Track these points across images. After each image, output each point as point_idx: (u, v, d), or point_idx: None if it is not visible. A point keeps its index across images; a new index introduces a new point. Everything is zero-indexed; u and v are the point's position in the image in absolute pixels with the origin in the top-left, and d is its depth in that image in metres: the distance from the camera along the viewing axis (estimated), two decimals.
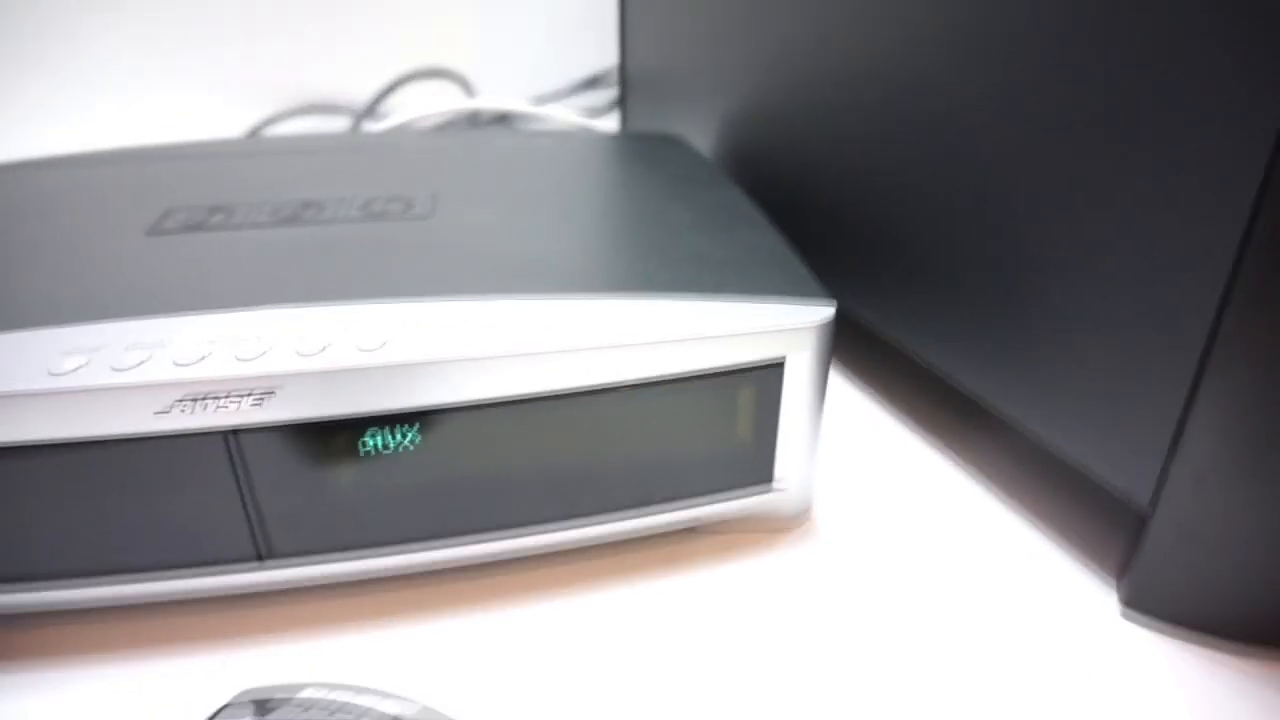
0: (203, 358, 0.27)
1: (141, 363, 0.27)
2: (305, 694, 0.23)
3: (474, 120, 0.81)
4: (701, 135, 0.58)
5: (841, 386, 0.47)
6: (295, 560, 0.30)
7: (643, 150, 0.52)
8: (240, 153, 0.52)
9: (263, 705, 0.23)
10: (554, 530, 0.32)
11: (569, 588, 0.33)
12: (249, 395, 0.27)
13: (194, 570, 0.29)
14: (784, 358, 0.31)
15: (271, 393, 0.27)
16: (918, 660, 0.30)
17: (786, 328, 0.31)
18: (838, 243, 0.45)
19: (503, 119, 0.81)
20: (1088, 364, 0.31)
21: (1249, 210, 0.25)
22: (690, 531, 0.35)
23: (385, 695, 0.23)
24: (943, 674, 0.30)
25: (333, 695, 0.23)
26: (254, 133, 0.79)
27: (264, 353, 0.27)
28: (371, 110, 0.81)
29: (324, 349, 0.28)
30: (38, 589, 0.29)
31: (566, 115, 0.77)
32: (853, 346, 0.48)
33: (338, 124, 0.83)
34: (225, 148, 0.54)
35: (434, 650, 0.30)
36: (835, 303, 0.32)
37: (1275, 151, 0.24)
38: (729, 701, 0.28)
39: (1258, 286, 0.25)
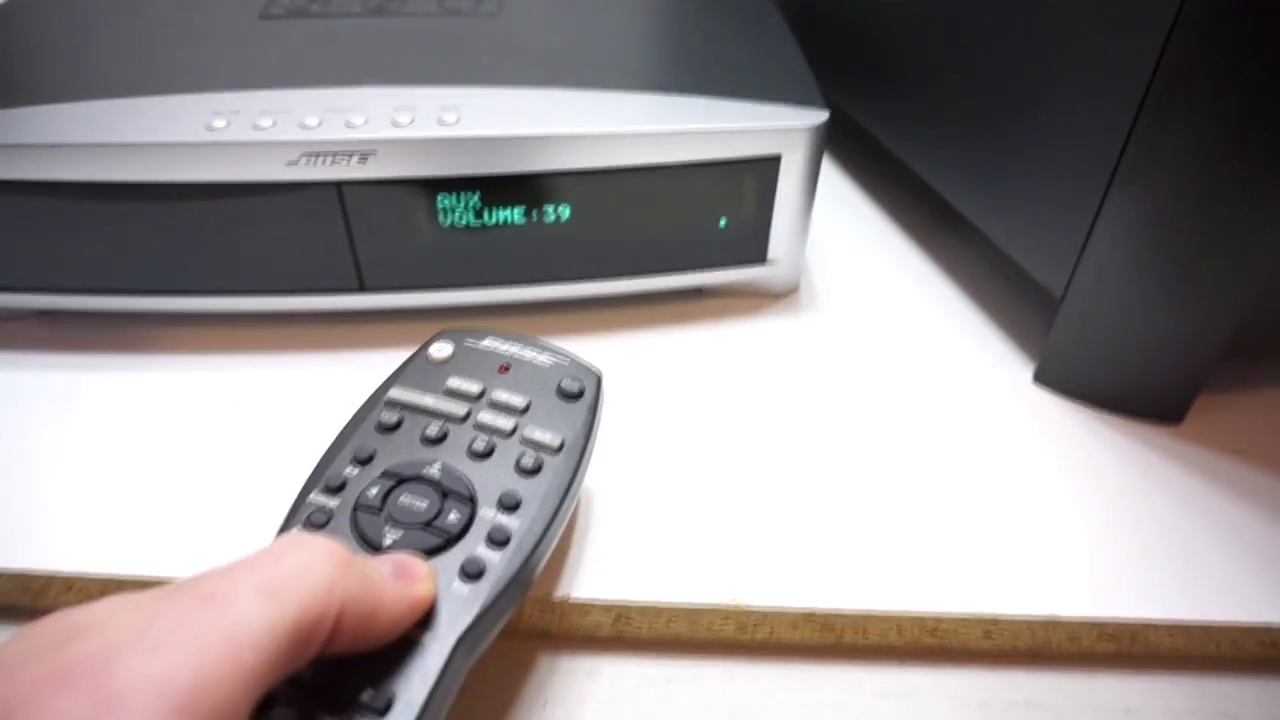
0: (320, 123, 0.35)
1: (274, 124, 0.35)
2: (489, 339, 0.32)
3: None
4: None
5: (841, 185, 0.53)
6: (385, 290, 0.39)
7: None
8: None
9: (461, 337, 0.32)
10: (587, 283, 0.40)
11: (598, 331, 0.42)
12: (355, 155, 0.35)
13: (312, 292, 0.39)
14: (780, 154, 0.38)
15: (371, 154, 0.35)
16: (870, 404, 0.39)
17: (784, 128, 0.38)
18: (853, 57, 0.50)
19: None
20: (1030, 176, 0.37)
21: (1158, 48, 0.30)
22: (698, 293, 0.44)
23: (545, 345, 0.32)
24: (890, 418, 0.38)
25: (510, 342, 0.32)
26: None
27: (366, 121, 0.35)
28: None
29: (411, 122, 0.35)
30: (192, 297, 0.39)
31: None
32: (857, 151, 0.54)
33: None
34: None
35: None
36: (828, 111, 0.38)
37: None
38: (712, 419, 0.38)
39: (1155, 122, 0.31)
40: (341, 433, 0.29)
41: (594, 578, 0.31)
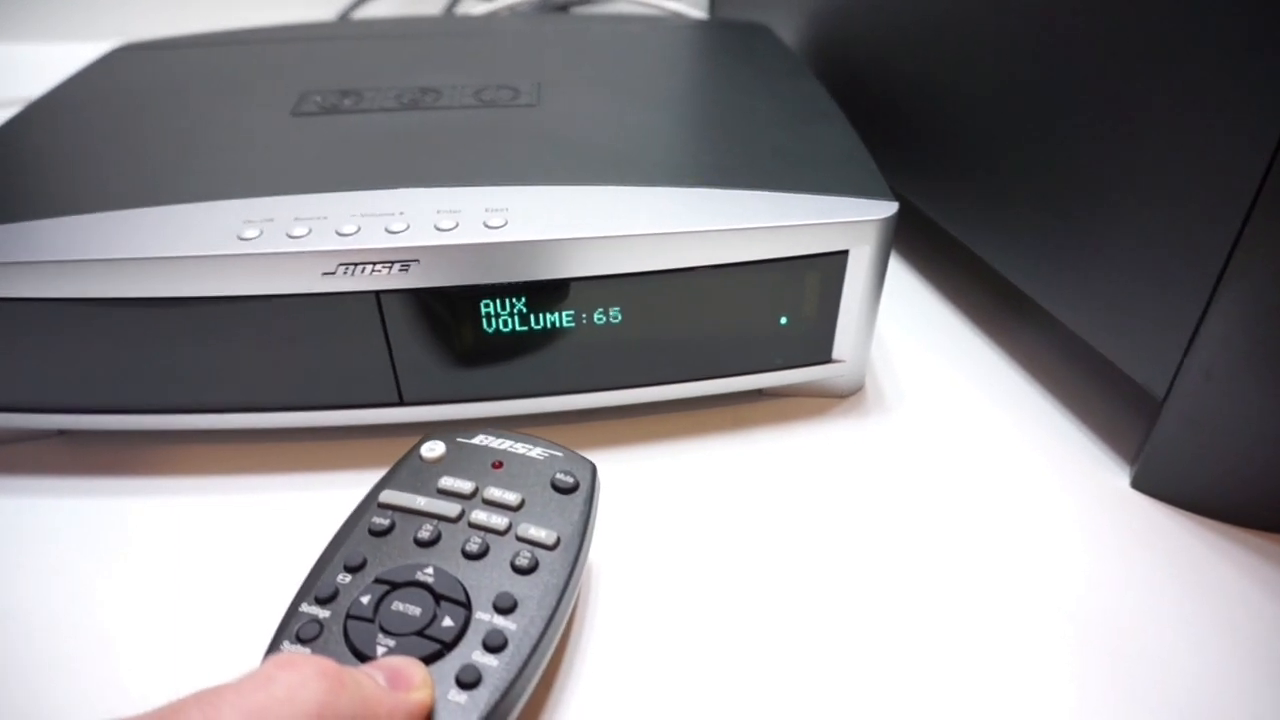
0: (358, 230, 0.33)
1: (310, 233, 0.33)
2: (481, 436, 0.31)
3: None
4: (786, 24, 0.60)
5: (903, 274, 0.51)
6: (426, 403, 0.36)
7: (731, 40, 0.55)
8: (355, 35, 0.56)
9: (452, 436, 0.31)
10: (639, 389, 0.38)
11: (651, 440, 0.39)
12: (395, 264, 0.32)
13: (349, 406, 0.36)
14: (847, 250, 0.36)
15: (413, 262, 0.33)
16: (953, 517, 0.35)
17: (851, 222, 0.35)
18: (909, 139, 0.48)
19: None
20: (1123, 269, 0.34)
21: (1275, 141, 0.28)
22: (757, 395, 0.41)
23: (537, 440, 0.31)
24: (976, 533, 0.35)
25: (502, 438, 0.31)
26: (355, 6, 0.83)
27: (407, 228, 0.33)
28: None
29: (455, 227, 0.33)
30: (220, 414, 0.36)
31: None
32: (916, 238, 0.52)
33: (431, 4, 0.85)
34: (339, 29, 0.59)
35: None
36: (897, 202, 0.36)
37: None
38: (776, 525, 0.34)
39: (1274, 212, 0.28)
40: (333, 540, 0.29)
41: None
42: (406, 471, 0.31)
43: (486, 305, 0.34)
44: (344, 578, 0.27)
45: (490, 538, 0.28)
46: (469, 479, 0.30)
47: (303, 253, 0.32)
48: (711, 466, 0.37)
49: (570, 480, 0.30)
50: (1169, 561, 0.33)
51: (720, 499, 0.36)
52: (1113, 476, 0.37)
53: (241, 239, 0.33)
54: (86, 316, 0.33)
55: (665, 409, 0.40)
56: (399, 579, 0.27)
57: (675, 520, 0.35)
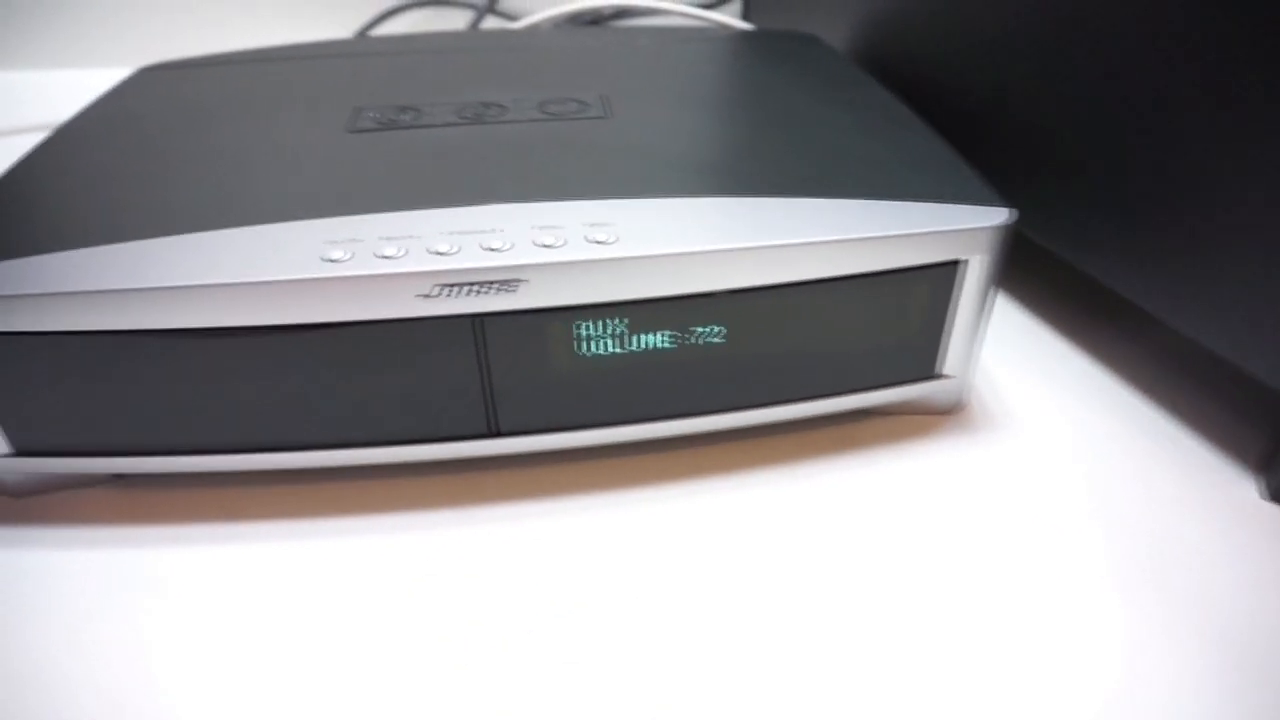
0: (457, 249, 0.30)
1: (405, 253, 0.30)
2: None
3: (596, 13, 0.81)
4: (829, 33, 0.59)
5: None
6: (521, 434, 0.34)
7: (784, 49, 0.53)
8: (388, 51, 0.54)
9: None
10: (741, 412, 0.35)
11: (755, 464, 0.36)
12: (499, 284, 0.30)
13: (437, 440, 0.33)
14: (963, 259, 0.34)
15: (521, 282, 0.30)
16: (1059, 533, 0.33)
17: (969, 230, 0.33)
18: (983, 147, 0.46)
19: (623, 12, 0.81)
20: (1243, 262, 0.33)
21: None
22: (859, 414, 0.39)
23: None
24: (1089, 551, 0.33)
25: None
26: (373, 24, 0.81)
27: (511, 246, 0.30)
28: (492, 4, 0.82)
29: (563, 244, 0.31)
30: (294, 452, 0.33)
31: (687, 7, 0.77)
32: None
33: (457, 19, 0.83)
34: (366, 46, 0.56)
35: (639, 518, 0.34)
36: (1014, 208, 0.34)
37: None
38: (887, 543, 0.32)
39: None
40: None
41: None
42: None
43: (589, 327, 0.32)
44: None
45: None
46: None
47: (397, 274, 0.30)
48: (830, 490, 0.35)
49: None
50: None
51: (847, 523, 0.34)
52: (1238, 488, 0.35)
53: (327, 261, 0.30)
54: (156, 349, 0.31)
55: (767, 432, 0.38)
56: None
57: (801, 547, 0.33)
